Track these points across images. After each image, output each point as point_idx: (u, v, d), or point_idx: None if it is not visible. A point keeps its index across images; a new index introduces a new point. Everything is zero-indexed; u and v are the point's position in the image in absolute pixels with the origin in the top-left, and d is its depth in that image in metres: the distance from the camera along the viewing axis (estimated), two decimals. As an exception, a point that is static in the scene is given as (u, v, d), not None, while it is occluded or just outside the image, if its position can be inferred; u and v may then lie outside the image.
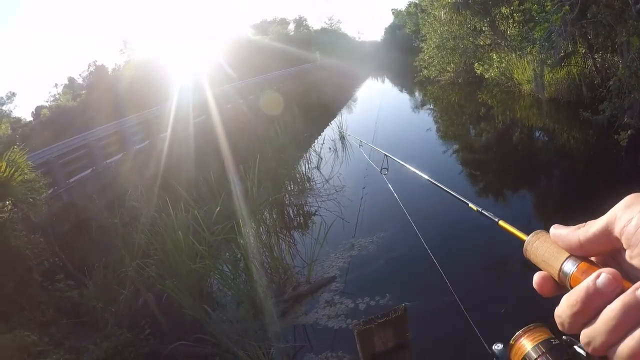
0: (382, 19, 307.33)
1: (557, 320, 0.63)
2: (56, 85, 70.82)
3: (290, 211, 12.74)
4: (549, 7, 16.83)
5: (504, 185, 12.65)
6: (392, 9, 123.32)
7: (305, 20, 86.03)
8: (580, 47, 19.30)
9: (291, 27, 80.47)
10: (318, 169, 16.17)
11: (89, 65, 60.81)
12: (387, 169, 4.42)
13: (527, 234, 0.79)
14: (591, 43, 17.97)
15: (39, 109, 55.68)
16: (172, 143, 15.49)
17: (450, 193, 1.68)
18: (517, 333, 0.90)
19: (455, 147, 18.16)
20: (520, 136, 18.82)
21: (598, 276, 0.57)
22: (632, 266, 0.60)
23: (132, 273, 8.01)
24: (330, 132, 22.05)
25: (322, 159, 17.19)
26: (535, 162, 14.59)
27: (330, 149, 19.04)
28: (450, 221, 9.85)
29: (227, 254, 9.35)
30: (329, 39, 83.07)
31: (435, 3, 36.23)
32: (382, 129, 21.41)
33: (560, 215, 9.79)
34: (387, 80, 64.99)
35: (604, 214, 0.65)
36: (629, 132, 12.03)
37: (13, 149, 9.03)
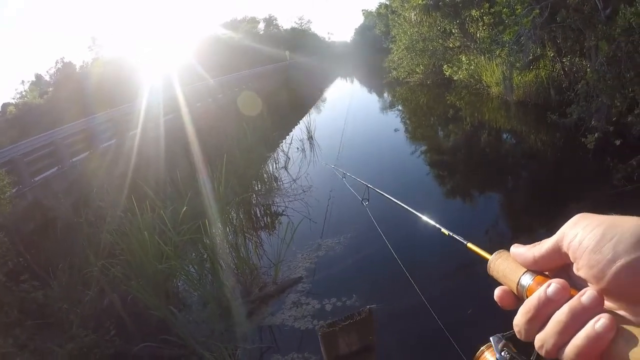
0: (352, 20, 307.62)
1: (515, 328, 0.69)
2: (23, 82, 69.45)
3: (258, 211, 12.75)
4: (519, 10, 16.99)
5: (471, 188, 12.74)
6: (362, 10, 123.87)
7: (275, 19, 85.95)
8: (549, 50, 19.55)
9: (261, 26, 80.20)
10: (286, 169, 16.20)
11: (57, 62, 60.03)
12: (368, 200, 4.45)
13: (492, 252, 0.85)
14: (560, 47, 18.20)
15: (5, 106, 54.90)
16: (141, 141, 15.36)
17: (420, 217, 1.71)
18: (480, 348, 0.94)
19: (423, 148, 18.29)
20: (488, 138, 18.96)
21: (549, 286, 0.64)
22: (579, 277, 0.66)
23: (97, 273, 7.91)
24: (298, 132, 22.12)
25: (289, 158, 17.22)
26: (503, 164, 14.76)
27: (298, 148, 19.07)
28: (415, 229, 9.93)
29: (194, 254, 9.32)
30: (298, 39, 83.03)
31: (405, 4, 36.25)
32: (351, 130, 21.48)
33: (529, 219, 9.93)
34: (356, 81, 65.16)
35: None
36: (595, 135, 12.19)
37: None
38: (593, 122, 12.87)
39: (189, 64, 34.46)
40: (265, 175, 14.71)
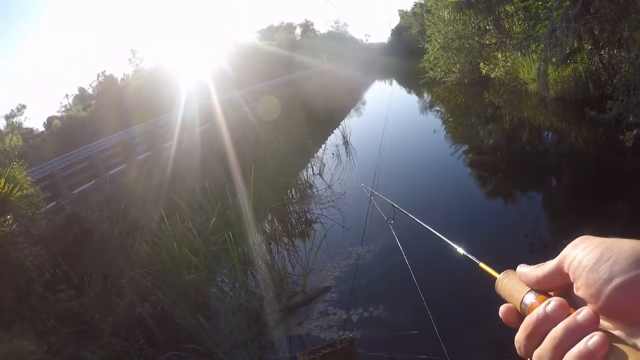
0: (389, 20, 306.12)
1: (516, 345, 0.71)
2: (67, 95, 71.20)
3: (291, 218, 12.68)
4: (550, 3, 16.68)
5: (511, 188, 12.56)
6: (398, 10, 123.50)
7: (312, 24, 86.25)
8: (586, 43, 19.09)
9: (298, 31, 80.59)
10: (320, 175, 16.12)
11: (98, 76, 61.42)
12: (394, 219, 4.50)
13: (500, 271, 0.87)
14: (597, 39, 17.77)
15: (50, 119, 56.32)
16: (176, 152, 15.55)
17: (439, 236, 1.73)
18: None
19: (462, 149, 18.07)
20: (527, 137, 18.68)
21: (548, 304, 0.67)
22: (578, 297, 0.67)
23: (127, 283, 8.04)
24: (333, 138, 22.14)
25: (325, 165, 17.12)
26: (541, 164, 14.46)
27: (333, 154, 19.03)
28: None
29: (224, 264, 9.33)
30: (336, 43, 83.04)
31: (439, 3, 36.08)
32: (390, 133, 21.38)
33: (569, 218, 9.72)
34: (394, 83, 64.84)
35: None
36: (634, 132, 11.86)
37: (13, 165, 9.14)
38: (631, 118, 12.52)
39: (224, 72, 34.73)
40: (299, 182, 14.69)
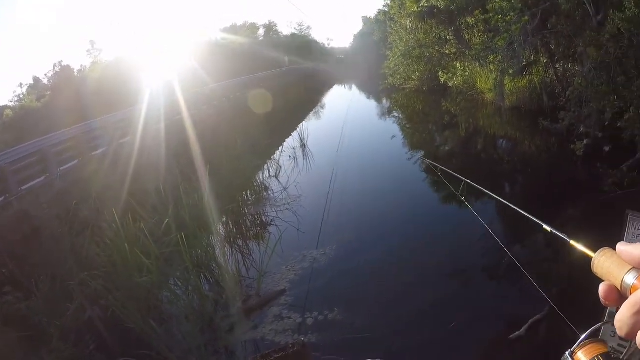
0: (352, 26, 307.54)
1: (617, 325, 0.69)
2: (21, 85, 69.37)
3: (246, 221, 12.57)
4: (509, 17, 17.01)
5: (466, 193, 12.70)
6: (362, 16, 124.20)
7: (275, 25, 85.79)
8: (542, 56, 19.56)
9: (261, 32, 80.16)
10: (276, 178, 16.07)
11: (55, 66, 59.79)
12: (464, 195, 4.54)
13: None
14: (553, 53, 18.22)
15: (1, 109, 54.73)
16: (133, 149, 15.25)
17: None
18: (572, 349, 0.94)
19: (419, 155, 18.26)
20: (483, 144, 19.06)
21: None
22: None
23: (76, 286, 7.85)
24: (291, 140, 22.11)
25: (281, 167, 17.08)
26: (496, 171, 14.77)
27: (290, 157, 19.00)
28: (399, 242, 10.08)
29: (177, 266, 9.19)
30: (298, 45, 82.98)
31: (402, 12, 36.44)
32: (349, 136, 21.57)
33: (522, 224, 9.83)
34: (354, 87, 65.22)
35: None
36: (584, 142, 12.22)
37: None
38: (582, 129, 12.88)
39: (187, 70, 34.32)
40: (255, 184, 14.62)
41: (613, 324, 0.74)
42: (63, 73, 55.69)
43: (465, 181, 4.11)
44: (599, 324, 1.03)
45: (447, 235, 10.29)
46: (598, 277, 0.79)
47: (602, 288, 0.75)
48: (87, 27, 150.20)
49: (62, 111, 34.61)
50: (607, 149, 12.05)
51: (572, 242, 1.05)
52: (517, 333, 6.17)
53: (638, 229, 0.93)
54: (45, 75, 62.49)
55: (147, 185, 12.69)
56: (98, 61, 55.29)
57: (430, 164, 6.07)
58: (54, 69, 59.44)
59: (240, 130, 19.28)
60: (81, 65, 59.06)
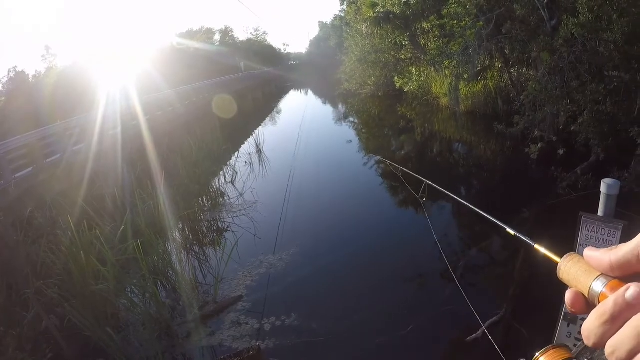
0: (308, 32, 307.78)
1: (585, 333, 0.66)
2: (-26, 90, 67.73)
3: (203, 227, 12.57)
4: (464, 22, 17.25)
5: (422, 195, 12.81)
6: (318, 21, 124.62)
7: (232, 30, 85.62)
8: (497, 61, 19.87)
9: (217, 37, 79.74)
10: (233, 184, 16.05)
11: (9, 71, 58.56)
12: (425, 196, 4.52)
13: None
14: (507, 58, 18.52)
15: (-46, 114, 53.30)
16: (87, 156, 15.04)
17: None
18: (535, 355, 0.91)
19: (375, 159, 18.35)
20: (439, 148, 19.28)
21: (627, 289, 0.61)
22: None
23: (32, 295, 7.72)
24: (247, 146, 22.08)
25: (237, 173, 17.07)
26: (452, 174, 15.00)
27: (246, 162, 18.99)
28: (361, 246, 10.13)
29: (134, 273, 9.09)
30: (254, 50, 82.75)
31: (358, 17, 36.62)
32: (305, 142, 21.62)
33: (477, 225, 10.01)
34: (310, 92, 65.19)
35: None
36: (539, 145, 12.45)
37: None
38: (536, 132, 13.11)
39: (142, 74, 33.92)
40: (211, 190, 14.59)
41: (567, 325, 0.76)
42: (17, 78, 54.62)
43: (425, 182, 4.13)
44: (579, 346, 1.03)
45: (404, 239, 10.44)
46: (564, 284, 0.78)
47: (568, 295, 0.73)
48: (41, 32, 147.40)
49: (16, 117, 33.96)
50: (561, 152, 12.26)
51: (537, 247, 1.03)
52: (474, 335, 6.26)
53: (592, 231, 0.97)
54: (-1, 80, 61.19)
55: (103, 192, 12.56)
56: (53, 66, 54.48)
57: (390, 164, 6.10)
58: (8, 74, 58.24)
59: (197, 136, 19.11)
60: (36, 71, 58.07)
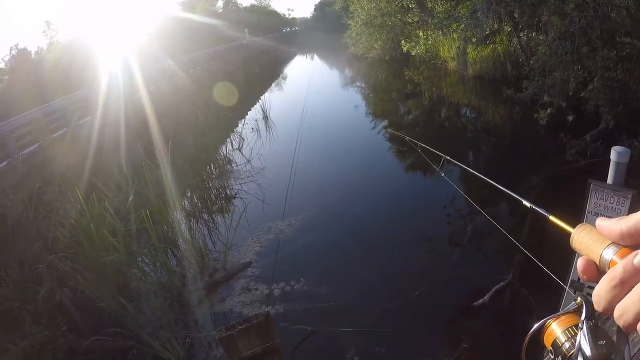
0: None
1: (595, 298, 0.68)
2: (-23, 69, 67.39)
3: (212, 195, 12.60)
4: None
5: (430, 161, 12.78)
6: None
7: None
8: (506, 25, 19.58)
9: (219, 4, 79.00)
10: (240, 151, 16.03)
11: (11, 49, 58.31)
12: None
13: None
14: (516, 21, 18.23)
15: (-43, 97, 53.30)
16: (94, 129, 15.02)
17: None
18: (546, 320, 0.97)
19: (383, 124, 18.29)
20: (446, 113, 19.14)
21: (635, 255, 0.63)
22: None
23: (45, 269, 7.78)
24: (253, 113, 22.07)
25: (244, 140, 17.04)
26: (460, 139, 14.90)
27: (252, 129, 18.91)
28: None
29: (144, 243, 9.14)
30: (258, 16, 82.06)
31: (364, -21, 36.20)
32: (311, 107, 21.52)
33: (485, 191, 9.97)
34: (316, 57, 64.81)
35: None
36: (548, 111, 12.32)
37: None
38: (546, 98, 12.96)
39: (145, 45, 33.70)
40: (218, 158, 14.62)
41: (574, 292, 0.76)
42: (20, 56, 54.32)
43: (444, 157, 4.13)
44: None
45: (413, 204, 10.43)
46: (577, 252, 0.80)
47: (580, 263, 0.76)
48: (42, 7, 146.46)
49: (21, 95, 33.85)
50: (570, 118, 12.09)
51: (552, 217, 1.06)
52: (480, 300, 6.28)
53: (600, 198, 0.96)
54: (2, 59, 60.92)
55: (110, 164, 12.57)
56: (55, 42, 54.11)
57: (410, 140, 6.08)
58: (10, 52, 57.93)
59: (202, 105, 19.06)
60: (38, 47, 57.80)
